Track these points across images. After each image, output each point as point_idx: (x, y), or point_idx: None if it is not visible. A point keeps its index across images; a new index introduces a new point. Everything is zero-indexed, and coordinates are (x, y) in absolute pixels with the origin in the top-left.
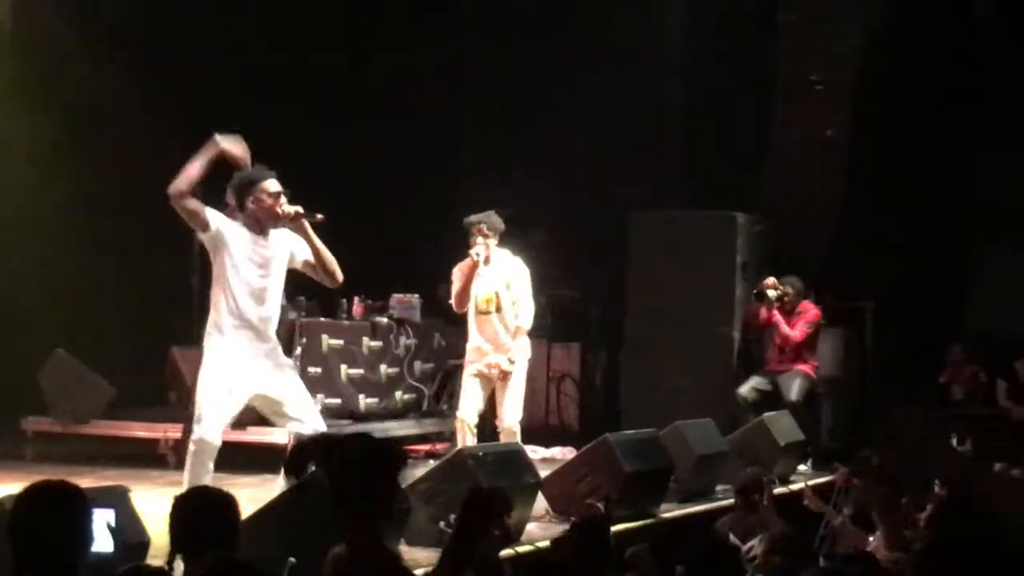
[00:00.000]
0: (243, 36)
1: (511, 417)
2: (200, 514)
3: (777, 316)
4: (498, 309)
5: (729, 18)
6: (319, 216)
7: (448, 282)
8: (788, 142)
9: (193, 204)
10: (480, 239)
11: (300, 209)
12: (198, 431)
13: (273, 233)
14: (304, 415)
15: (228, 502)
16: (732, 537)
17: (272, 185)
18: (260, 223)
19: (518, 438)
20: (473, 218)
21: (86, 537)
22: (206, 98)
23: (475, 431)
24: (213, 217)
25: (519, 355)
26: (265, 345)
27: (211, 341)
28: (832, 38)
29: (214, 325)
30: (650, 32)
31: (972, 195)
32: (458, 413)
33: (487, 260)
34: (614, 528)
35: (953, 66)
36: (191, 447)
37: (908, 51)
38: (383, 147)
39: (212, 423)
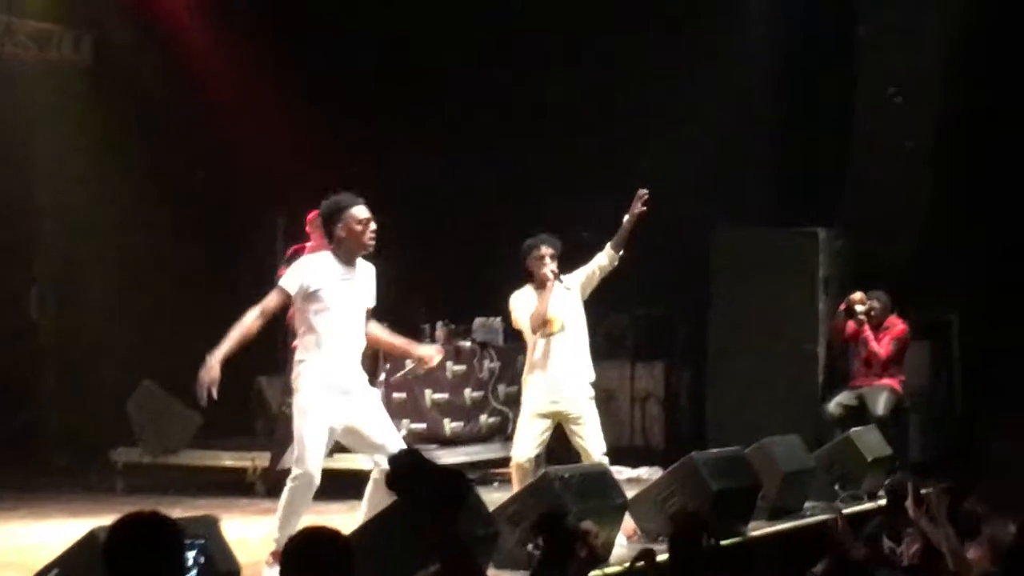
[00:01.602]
0: (325, 65)
1: (599, 449)
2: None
3: (867, 331)
4: (562, 329)
5: (811, 32)
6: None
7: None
8: (869, 155)
9: (264, 319)
10: (548, 259)
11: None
12: (301, 466)
13: (359, 262)
14: (389, 444)
15: (342, 542)
16: (885, 540)
17: (361, 212)
18: (349, 252)
19: None
20: (542, 238)
21: (179, 567)
22: (290, 129)
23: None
24: (289, 284)
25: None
26: (353, 377)
27: (302, 378)
28: (912, 49)
29: (303, 361)
30: (733, 49)
31: None
32: (516, 457)
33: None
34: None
35: None
36: (291, 483)
37: (989, 60)
38: (464, 172)
39: (314, 458)
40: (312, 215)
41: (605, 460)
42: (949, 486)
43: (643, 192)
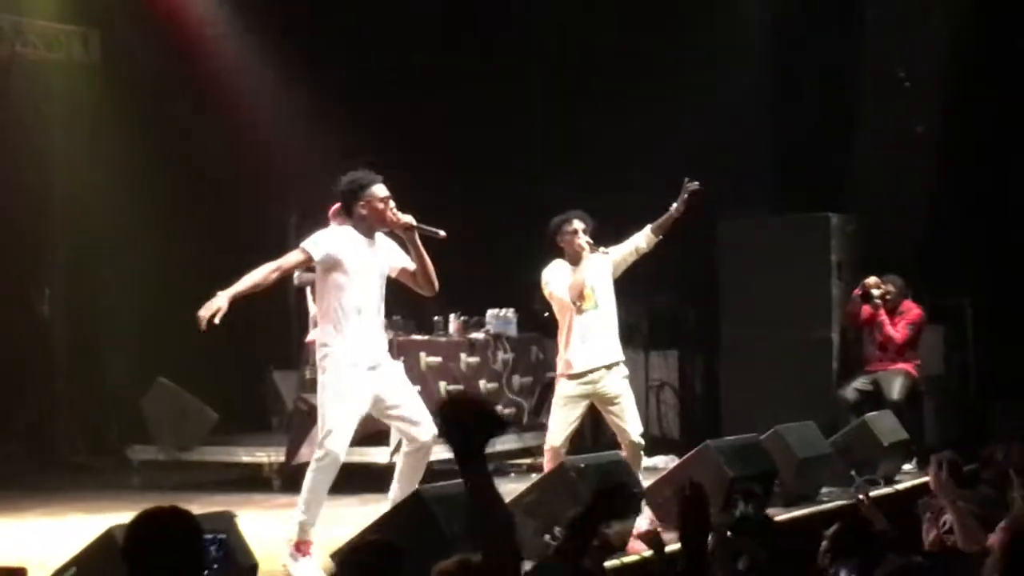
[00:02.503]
0: (328, 57)
1: (637, 429)
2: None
3: (883, 315)
4: (596, 306)
5: (816, 16)
6: (441, 233)
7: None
8: (878, 139)
9: (280, 273)
10: (582, 232)
11: (413, 221)
12: (327, 447)
13: (378, 237)
14: (420, 417)
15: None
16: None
17: (381, 190)
18: (370, 228)
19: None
20: (573, 213)
21: (199, 562)
22: (301, 124)
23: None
24: (315, 249)
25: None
26: (378, 351)
27: (329, 358)
28: (920, 33)
29: (328, 338)
30: (738, 34)
31: None
32: (551, 441)
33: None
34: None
35: None
36: (315, 463)
37: (997, 42)
38: (472, 163)
39: (340, 440)
40: (333, 209)
41: (641, 441)
42: (950, 457)
43: (693, 185)
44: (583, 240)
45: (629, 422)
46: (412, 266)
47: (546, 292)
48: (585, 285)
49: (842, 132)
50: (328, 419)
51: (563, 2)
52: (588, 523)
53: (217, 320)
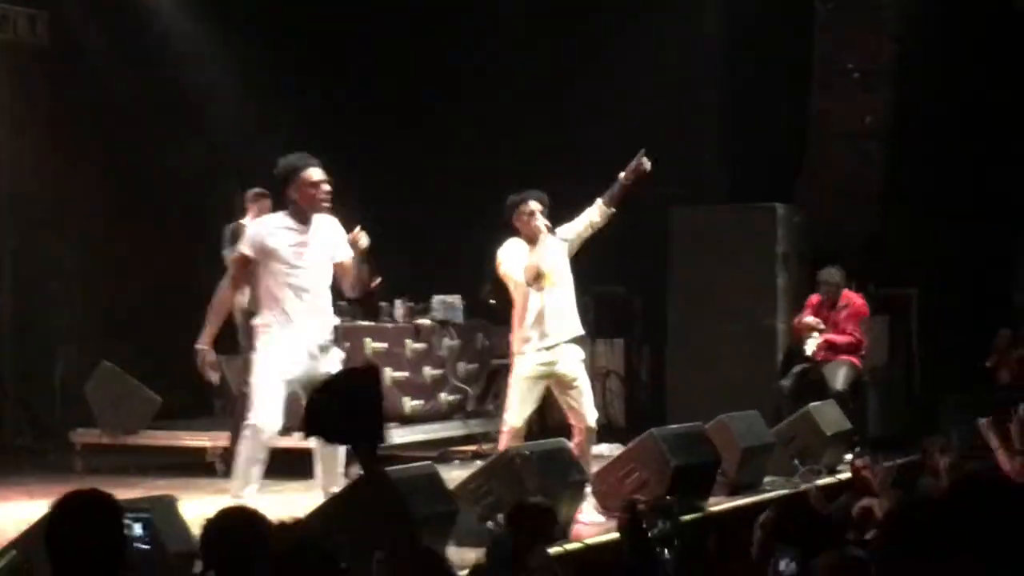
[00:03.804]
0: (279, 43)
1: (594, 414)
2: (229, 533)
3: (832, 337)
4: (554, 285)
5: (765, 8)
6: (377, 280)
7: (490, 281)
8: (826, 131)
9: (236, 287)
10: (540, 214)
11: (364, 244)
12: (251, 418)
13: (316, 220)
14: None
15: (257, 519)
16: None
17: (314, 174)
18: (303, 212)
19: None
20: (528, 194)
21: (119, 545)
22: (242, 101)
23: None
24: (246, 247)
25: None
26: (317, 335)
27: (263, 337)
28: (869, 26)
29: (266, 324)
30: (685, 25)
31: (1016, 178)
32: (510, 421)
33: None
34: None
35: (993, 51)
36: (243, 432)
37: (946, 37)
38: (421, 149)
39: (265, 411)
40: (249, 194)
41: (595, 427)
42: (897, 464)
43: (645, 161)
44: (541, 222)
45: (586, 406)
46: (347, 263)
47: (500, 270)
48: (541, 268)
49: (792, 123)
50: (254, 391)
51: None
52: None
53: (218, 373)
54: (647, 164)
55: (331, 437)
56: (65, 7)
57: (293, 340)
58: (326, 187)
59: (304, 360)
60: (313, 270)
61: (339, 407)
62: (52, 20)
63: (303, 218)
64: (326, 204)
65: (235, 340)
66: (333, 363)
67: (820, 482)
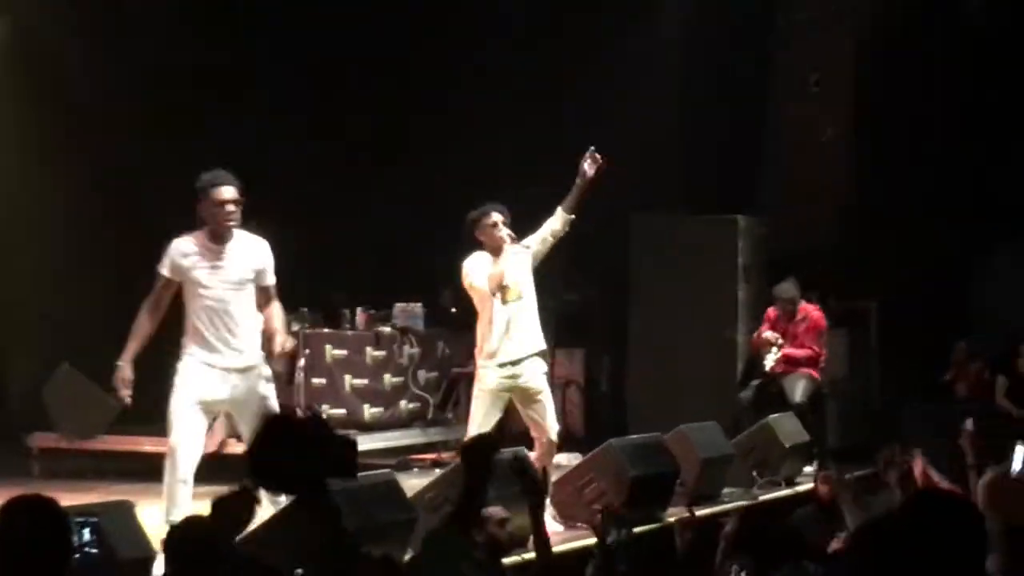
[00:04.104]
0: (245, 45)
1: (556, 427)
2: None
3: (791, 352)
4: (519, 298)
5: (728, 20)
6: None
7: (451, 288)
8: (788, 143)
9: (158, 308)
10: (502, 225)
11: (286, 347)
12: (170, 439)
13: (237, 240)
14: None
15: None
16: None
17: (222, 192)
18: (214, 231)
19: None
20: (489, 206)
21: (64, 549)
22: (206, 109)
23: None
24: (163, 267)
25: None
26: (235, 358)
27: (182, 360)
28: (831, 39)
29: (185, 346)
30: (647, 36)
31: (976, 192)
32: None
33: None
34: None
35: (952, 63)
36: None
37: (907, 50)
38: (383, 158)
39: (179, 429)
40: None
41: (556, 440)
42: (859, 475)
43: (594, 155)
44: (504, 233)
45: (548, 420)
46: (266, 288)
47: (466, 283)
48: (504, 277)
49: (753, 135)
50: (172, 416)
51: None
52: (472, 495)
53: (130, 392)
54: (597, 158)
55: (275, 488)
56: (27, 9)
57: (211, 362)
58: (230, 208)
59: (223, 382)
60: (229, 291)
61: (282, 458)
62: (15, 22)
63: (216, 238)
64: (230, 224)
65: None
66: (256, 384)
67: (778, 494)
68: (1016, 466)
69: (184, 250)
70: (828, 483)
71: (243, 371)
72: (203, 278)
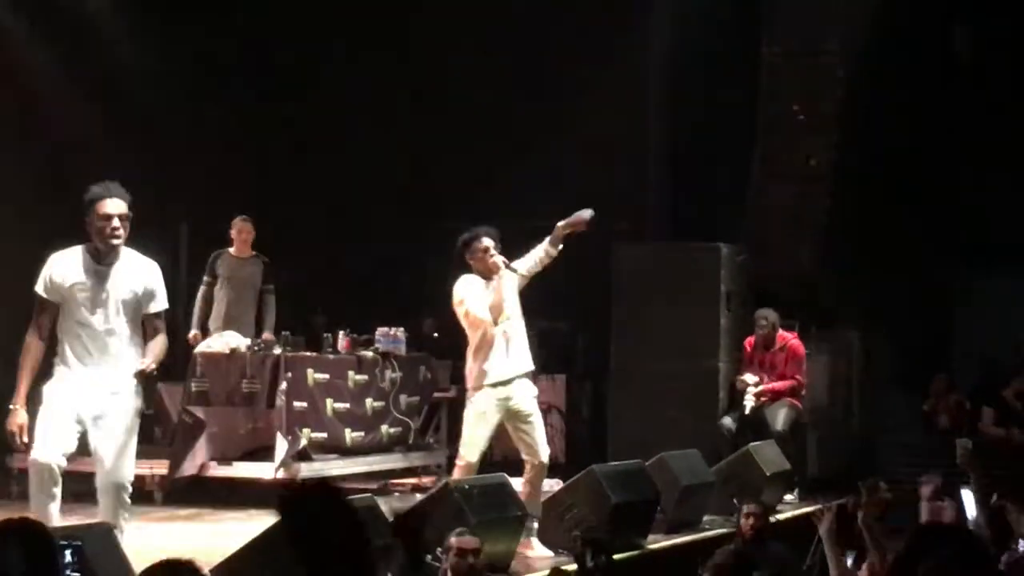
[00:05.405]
0: (219, 63)
1: (546, 450)
2: None
3: (772, 387)
4: (508, 319)
5: (712, 52)
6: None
7: (431, 315)
8: (771, 173)
9: (43, 332)
10: (494, 250)
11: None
12: (31, 454)
13: (128, 258)
14: (108, 463)
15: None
16: None
17: (107, 206)
18: (97, 248)
19: None
20: (481, 230)
21: (51, 570)
22: (176, 125)
23: None
24: (40, 288)
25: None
26: (105, 382)
27: (51, 378)
28: (814, 71)
29: (57, 358)
30: (633, 66)
31: (958, 224)
32: (468, 456)
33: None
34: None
35: (937, 95)
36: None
37: (890, 82)
38: (366, 185)
39: (39, 444)
40: (235, 220)
41: (547, 463)
42: (836, 504)
43: (592, 220)
44: (498, 259)
45: (539, 443)
46: (152, 316)
47: (460, 309)
48: (504, 303)
49: (737, 164)
50: (36, 430)
51: (466, 31)
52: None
53: (27, 438)
54: (585, 215)
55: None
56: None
57: (79, 381)
58: (115, 223)
59: (90, 401)
60: (107, 311)
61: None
62: None
63: (98, 255)
64: (114, 241)
65: (176, 365)
66: (123, 409)
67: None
68: (970, 512)
69: (60, 265)
70: (752, 518)
71: (114, 393)
72: (78, 295)
